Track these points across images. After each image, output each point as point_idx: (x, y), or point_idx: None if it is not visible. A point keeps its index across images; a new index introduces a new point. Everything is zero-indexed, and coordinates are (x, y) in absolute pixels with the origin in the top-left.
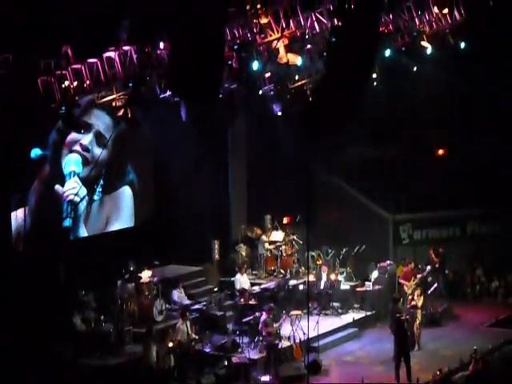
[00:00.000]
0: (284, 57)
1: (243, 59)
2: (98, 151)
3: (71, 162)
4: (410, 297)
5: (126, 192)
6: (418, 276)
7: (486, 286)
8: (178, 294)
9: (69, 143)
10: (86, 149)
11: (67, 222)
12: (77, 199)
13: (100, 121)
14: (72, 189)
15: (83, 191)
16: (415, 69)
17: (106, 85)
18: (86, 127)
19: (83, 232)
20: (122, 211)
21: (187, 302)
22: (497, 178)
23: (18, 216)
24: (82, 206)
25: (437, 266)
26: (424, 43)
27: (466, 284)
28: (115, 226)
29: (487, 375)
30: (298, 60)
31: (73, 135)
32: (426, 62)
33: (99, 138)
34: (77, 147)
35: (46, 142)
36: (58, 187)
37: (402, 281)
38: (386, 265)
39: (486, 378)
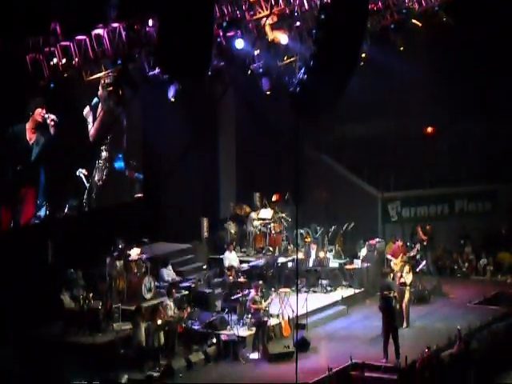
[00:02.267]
0: (270, 35)
1: (232, 37)
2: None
3: None
4: (398, 274)
5: None
6: (407, 254)
7: (474, 263)
8: (166, 272)
9: None
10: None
11: None
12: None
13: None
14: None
15: None
16: (403, 47)
17: (94, 62)
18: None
19: None
20: None
21: (176, 279)
22: (484, 156)
23: None
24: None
25: (425, 243)
26: (414, 21)
27: (455, 261)
28: None
29: (470, 355)
30: (283, 39)
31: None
32: (414, 40)
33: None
34: None
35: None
36: None
37: (389, 257)
38: (375, 242)
39: (469, 358)
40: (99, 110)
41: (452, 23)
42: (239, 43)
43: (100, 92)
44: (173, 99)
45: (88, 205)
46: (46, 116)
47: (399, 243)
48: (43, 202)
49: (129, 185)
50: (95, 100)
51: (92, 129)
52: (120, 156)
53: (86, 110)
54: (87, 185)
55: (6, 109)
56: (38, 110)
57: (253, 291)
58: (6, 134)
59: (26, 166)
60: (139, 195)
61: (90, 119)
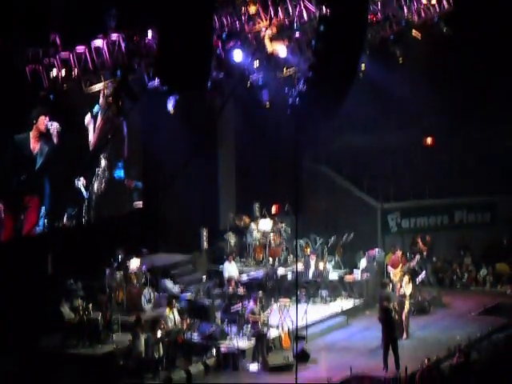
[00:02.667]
0: (269, 47)
1: (231, 48)
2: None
3: None
4: (398, 285)
5: None
6: (406, 264)
7: (474, 274)
8: (169, 282)
9: None
10: None
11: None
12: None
13: None
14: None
15: None
16: (402, 58)
17: (94, 73)
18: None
19: None
20: None
21: (178, 290)
22: (484, 167)
23: None
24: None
25: (424, 254)
26: (415, 32)
27: (454, 272)
28: None
29: (470, 366)
30: (282, 51)
31: None
32: (414, 51)
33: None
34: None
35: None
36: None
37: (389, 268)
38: (375, 253)
39: (468, 369)
40: (99, 118)
41: (451, 34)
42: (237, 55)
43: (101, 101)
44: (172, 110)
45: (87, 215)
46: (50, 124)
47: (399, 254)
48: (47, 212)
49: (128, 194)
50: (96, 108)
51: (92, 137)
52: (120, 165)
53: (88, 118)
54: (86, 194)
55: (8, 118)
56: (42, 119)
57: (252, 302)
58: (9, 144)
59: (30, 176)
60: (138, 203)
61: (90, 127)
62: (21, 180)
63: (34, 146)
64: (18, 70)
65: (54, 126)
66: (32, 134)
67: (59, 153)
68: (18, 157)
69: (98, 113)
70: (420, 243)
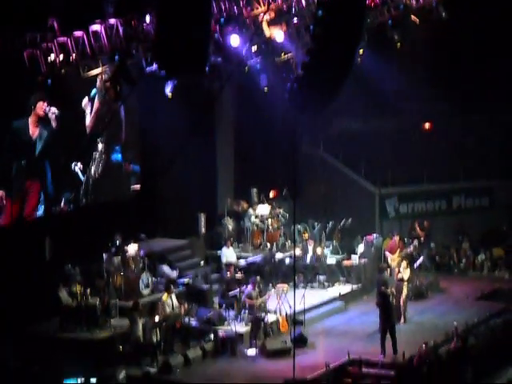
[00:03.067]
0: (267, 31)
1: (229, 33)
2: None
3: None
4: (396, 269)
5: None
6: (404, 250)
7: (471, 259)
8: (167, 267)
9: None
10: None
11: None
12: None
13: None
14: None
15: None
16: (400, 43)
17: (92, 58)
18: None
19: None
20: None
21: (175, 275)
22: (482, 152)
23: None
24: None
25: (422, 239)
26: (413, 17)
27: (452, 257)
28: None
29: (467, 351)
30: (279, 36)
31: None
32: (412, 36)
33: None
34: None
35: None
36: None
37: (387, 253)
38: (373, 238)
39: (466, 354)
40: (96, 101)
41: (449, 18)
42: (234, 40)
43: (98, 84)
44: (170, 95)
45: (85, 198)
46: (48, 109)
47: (396, 239)
48: (50, 195)
49: (125, 177)
50: (94, 91)
51: (89, 120)
52: (117, 148)
53: (85, 101)
54: (83, 178)
55: (6, 104)
56: (40, 104)
57: (249, 286)
58: (8, 129)
59: (30, 161)
60: (136, 187)
61: (88, 110)
62: (21, 165)
63: (33, 130)
64: (16, 54)
65: (53, 111)
66: (31, 120)
67: (58, 137)
68: (16, 142)
69: (95, 96)
70: (418, 229)
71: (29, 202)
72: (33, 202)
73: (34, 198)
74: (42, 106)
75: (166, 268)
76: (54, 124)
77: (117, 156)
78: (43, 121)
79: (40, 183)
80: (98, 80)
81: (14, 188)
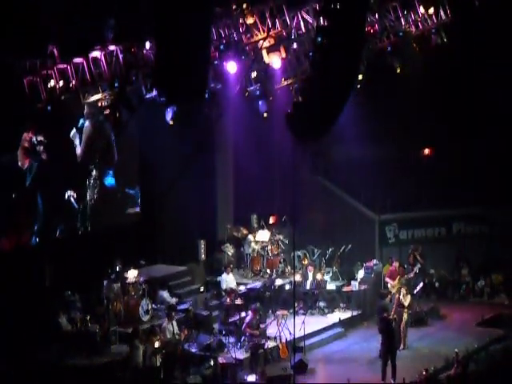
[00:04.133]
0: (266, 58)
1: (229, 59)
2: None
3: None
4: (396, 296)
5: None
6: (404, 276)
7: (471, 285)
8: (166, 294)
9: None
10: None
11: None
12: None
13: None
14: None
15: None
16: (400, 69)
17: (91, 85)
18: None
19: None
20: None
21: (174, 301)
22: (482, 179)
23: None
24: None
25: (419, 265)
26: (411, 44)
27: (452, 284)
28: None
29: (468, 378)
30: (276, 62)
31: None
32: (412, 62)
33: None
34: None
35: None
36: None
37: (387, 279)
38: (372, 264)
39: (466, 380)
40: (86, 129)
41: (449, 45)
42: (232, 67)
43: (86, 110)
44: (171, 122)
45: (83, 227)
46: (34, 140)
47: (396, 265)
48: (40, 228)
49: (121, 201)
50: (81, 122)
51: (80, 149)
52: (110, 172)
53: (72, 132)
54: (77, 206)
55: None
56: (25, 135)
57: (250, 315)
58: None
59: (21, 193)
60: (132, 211)
61: (76, 141)
62: (12, 198)
63: (23, 162)
64: (16, 81)
65: (39, 140)
66: (19, 151)
67: (49, 167)
68: (6, 175)
69: (83, 125)
70: (418, 256)
71: (23, 235)
72: (26, 237)
73: (27, 231)
74: (26, 138)
75: (165, 294)
76: (43, 156)
77: (110, 180)
78: (32, 152)
79: (32, 215)
80: (86, 107)
81: (6, 221)
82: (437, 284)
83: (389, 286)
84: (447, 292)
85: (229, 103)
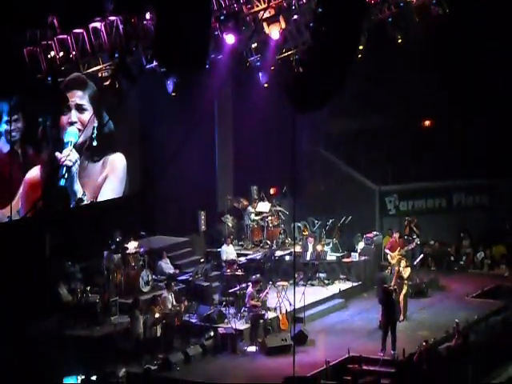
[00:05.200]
0: (267, 29)
1: (229, 30)
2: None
3: (70, 134)
4: (396, 267)
5: (120, 157)
6: (406, 247)
7: (471, 256)
8: (164, 265)
9: (67, 121)
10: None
11: (62, 182)
12: (69, 163)
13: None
14: (67, 155)
15: (75, 157)
16: (401, 40)
17: (91, 55)
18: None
19: (78, 189)
20: (116, 172)
21: (173, 271)
22: (482, 150)
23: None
24: (75, 168)
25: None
26: (412, 14)
27: (452, 255)
28: (108, 194)
29: (469, 348)
30: (275, 33)
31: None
32: (412, 33)
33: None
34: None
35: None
36: (57, 153)
37: (387, 251)
38: (373, 235)
39: (467, 351)
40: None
41: (449, 15)
42: (230, 39)
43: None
44: (173, 94)
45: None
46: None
47: (396, 236)
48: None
49: None
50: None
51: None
52: None
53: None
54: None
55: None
56: None
57: (251, 287)
58: None
59: None
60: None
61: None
62: None
63: None
64: (17, 51)
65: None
66: None
67: None
68: None
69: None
70: (414, 227)
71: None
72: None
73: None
74: None
75: (163, 264)
76: None
77: None
78: None
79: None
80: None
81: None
82: (437, 255)
83: (388, 257)
84: (447, 263)
85: (229, 74)
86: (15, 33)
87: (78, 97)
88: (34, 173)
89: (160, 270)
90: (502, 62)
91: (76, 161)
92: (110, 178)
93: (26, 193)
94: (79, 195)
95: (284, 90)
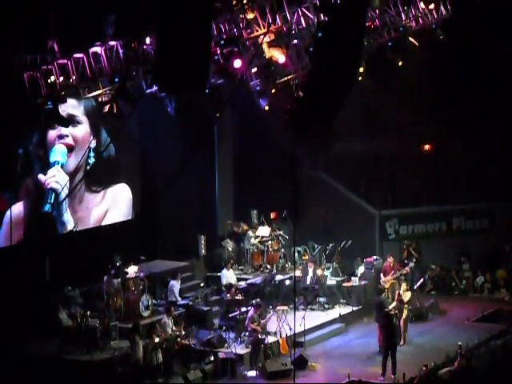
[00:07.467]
0: (267, 53)
1: (229, 54)
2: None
3: (56, 152)
4: (397, 291)
5: (125, 189)
6: (398, 271)
7: (471, 280)
8: (176, 285)
9: (56, 135)
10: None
11: (47, 208)
12: (56, 185)
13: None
14: (52, 177)
15: (64, 179)
16: (400, 65)
17: (92, 80)
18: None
19: (69, 220)
20: (119, 207)
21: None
22: (482, 174)
23: (13, 212)
24: (64, 193)
25: (414, 260)
26: (411, 39)
27: (452, 279)
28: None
29: (472, 371)
30: (280, 57)
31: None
32: (412, 58)
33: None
34: (64, 139)
35: (32, 138)
36: (40, 176)
37: (381, 275)
38: (373, 260)
39: (470, 374)
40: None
41: (449, 41)
42: (237, 63)
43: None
44: (173, 114)
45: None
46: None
47: (390, 260)
48: None
49: None
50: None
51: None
52: None
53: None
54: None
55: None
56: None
57: (252, 310)
58: None
59: None
60: None
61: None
62: None
63: None
64: (17, 76)
65: None
66: None
67: None
68: None
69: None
70: (413, 251)
71: None
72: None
73: None
74: None
75: (176, 284)
76: None
77: None
78: None
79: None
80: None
81: None
82: (437, 279)
83: (381, 281)
84: (448, 287)
85: (229, 98)
86: (15, 57)
87: (71, 106)
88: (17, 210)
89: (169, 290)
90: (502, 87)
91: (66, 184)
92: (112, 212)
93: (6, 233)
94: (69, 227)
95: (284, 114)
